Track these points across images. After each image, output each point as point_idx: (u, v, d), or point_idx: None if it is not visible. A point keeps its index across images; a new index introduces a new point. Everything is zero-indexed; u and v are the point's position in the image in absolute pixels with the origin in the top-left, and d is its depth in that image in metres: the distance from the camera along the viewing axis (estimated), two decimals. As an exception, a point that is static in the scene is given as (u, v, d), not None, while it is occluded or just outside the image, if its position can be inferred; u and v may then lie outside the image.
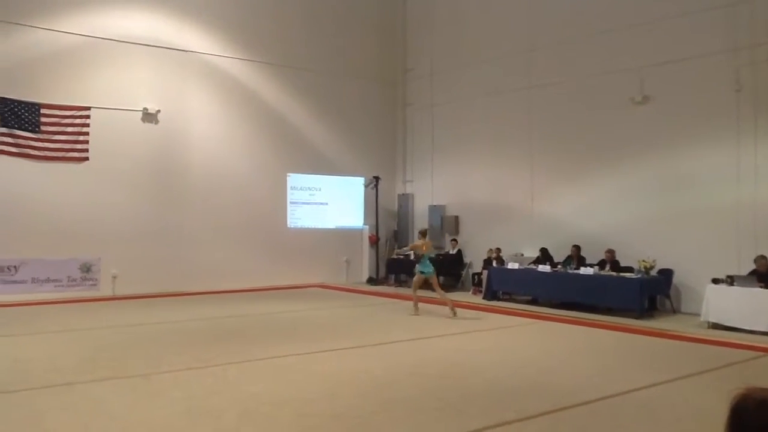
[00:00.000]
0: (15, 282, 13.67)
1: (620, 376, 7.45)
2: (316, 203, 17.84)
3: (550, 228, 14.89)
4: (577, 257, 13.48)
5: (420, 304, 12.11)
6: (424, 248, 12.11)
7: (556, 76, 14.86)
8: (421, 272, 12.00)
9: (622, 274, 12.29)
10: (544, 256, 14.06)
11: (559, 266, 13.47)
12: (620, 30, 13.62)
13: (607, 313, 12.05)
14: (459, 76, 17.37)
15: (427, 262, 11.97)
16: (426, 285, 12.19)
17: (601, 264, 12.94)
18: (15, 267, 13.67)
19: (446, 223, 17.59)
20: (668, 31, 12.84)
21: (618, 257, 12.84)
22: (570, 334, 10.44)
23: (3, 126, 13.54)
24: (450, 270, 16.52)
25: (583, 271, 12.70)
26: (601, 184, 14.06)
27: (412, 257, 12.69)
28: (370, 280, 18.02)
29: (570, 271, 13.03)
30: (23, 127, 13.77)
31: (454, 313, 11.73)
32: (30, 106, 13.81)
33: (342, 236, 18.18)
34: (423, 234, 12.61)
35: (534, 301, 13.80)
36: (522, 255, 14.93)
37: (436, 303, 12.26)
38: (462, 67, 17.25)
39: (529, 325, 11.28)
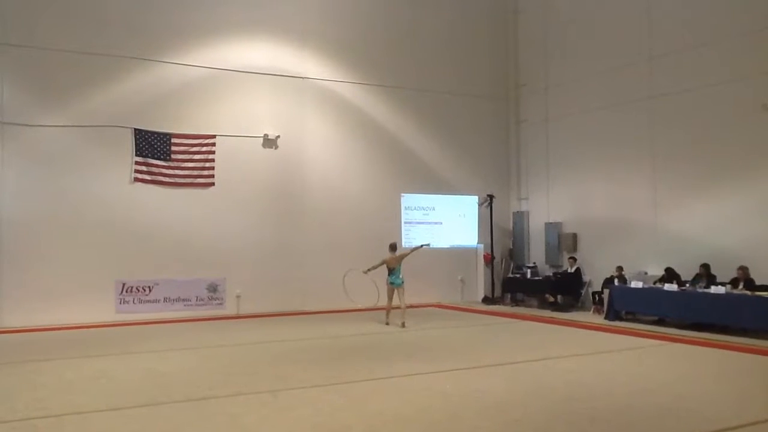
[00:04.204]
0: (149, 301, 14.56)
1: (762, 402, 6.98)
2: (430, 223, 17.90)
3: (676, 244, 14.19)
4: (706, 276, 12.77)
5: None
6: (393, 262, 13.04)
7: (680, 84, 14.20)
8: (391, 283, 13.06)
9: (757, 292, 11.50)
10: (670, 276, 13.40)
11: (687, 285, 12.81)
12: (750, 34, 12.88)
13: (741, 335, 11.32)
14: (575, 89, 16.99)
15: (397, 274, 12.99)
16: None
17: (734, 282, 12.19)
18: (149, 287, 14.56)
19: (564, 241, 17.15)
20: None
21: (753, 275, 12.06)
22: (702, 357, 9.88)
23: (138, 155, 14.53)
24: (568, 289, 16.10)
25: (713, 289, 12.00)
26: (732, 197, 13.26)
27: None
28: (486, 300, 17.83)
29: (699, 290, 12.35)
30: (156, 156, 14.71)
31: (403, 325, 12.78)
32: (162, 136, 14.75)
33: (457, 255, 18.13)
34: (392, 248, 13.30)
35: (660, 322, 13.19)
36: (646, 273, 14.32)
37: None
38: (578, 79, 16.87)
39: (656, 347, 10.78)
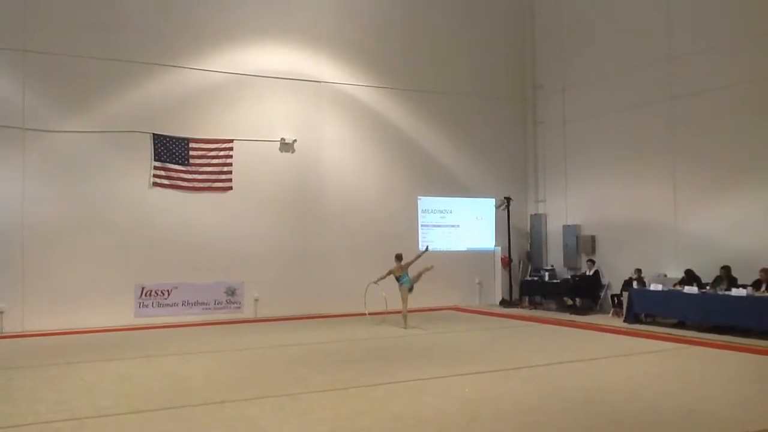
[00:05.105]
0: (168, 305, 14.65)
1: (786, 406, 6.90)
2: (447, 225, 17.89)
3: (696, 246, 14.05)
4: (727, 278, 12.63)
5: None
6: (398, 271, 13.54)
7: (700, 85, 14.04)
8: (402, 284, 13.48)
9: (781, 294, 11.38)
10: (690, 278, 13.28)
11: (708, 287, 12.68)
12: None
13: (763, 338, 11.17)
14: (593, 90, 16.89)
15: (405, 277, 13.52)
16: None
17: (756, 284, 12.05)
18: (168, 291, 14.66)
19: (582, 243, 17.05)
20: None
21: (776, 277, 11.93)
22: (722, 360, 9.78)
23: (157, 160, 14.65)
24: (587, 292, 16.00)
25: (735, 292, 11.86)
26: (754, 198, 13.09)
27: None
28: (504, 303, 17.76)
29: (720, 293, 12.22)
30: (174, 161, 14.82)
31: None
32: (180, 140, 14.86)
33: (474, 258, 18.08)
34: (397, 258, 13.66)
35: (680, 324, 13.06)
36: (665, 275, 14.19)
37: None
38: (596, 81, 16.77)
39: (676, 350, 10.68)
